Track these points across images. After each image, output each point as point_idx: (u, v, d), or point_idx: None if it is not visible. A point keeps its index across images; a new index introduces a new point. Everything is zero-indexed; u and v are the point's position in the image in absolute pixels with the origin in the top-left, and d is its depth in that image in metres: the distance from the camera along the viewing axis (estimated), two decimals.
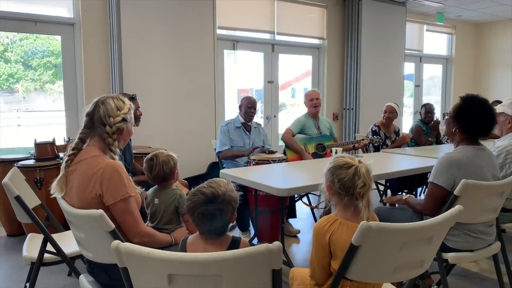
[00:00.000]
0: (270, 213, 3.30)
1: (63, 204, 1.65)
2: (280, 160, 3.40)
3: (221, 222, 1.35)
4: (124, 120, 1.73)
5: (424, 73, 8.16)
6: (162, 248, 1.80)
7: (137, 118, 2.94)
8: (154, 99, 4.69)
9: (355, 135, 4.70)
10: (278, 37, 5.99)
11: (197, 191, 1.36)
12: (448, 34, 8.30)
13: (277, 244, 1.10)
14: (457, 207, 1.46)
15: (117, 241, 1.14)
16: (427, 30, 7.87)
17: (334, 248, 1.47)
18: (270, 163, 3.32)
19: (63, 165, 1.70)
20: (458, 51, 8.37)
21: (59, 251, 2.10)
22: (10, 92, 4.43)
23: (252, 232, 3.54)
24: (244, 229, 3.49)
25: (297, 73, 6.73)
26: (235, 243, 1.40)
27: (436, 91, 8.59)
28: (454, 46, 8.34)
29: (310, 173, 2.92)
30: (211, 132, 5.16)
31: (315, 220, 4.03)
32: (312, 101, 4.04)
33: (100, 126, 1.70)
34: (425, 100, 7.95)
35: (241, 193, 1.44)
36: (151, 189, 2.06)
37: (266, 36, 5.95)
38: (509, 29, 8.04)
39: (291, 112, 6.72)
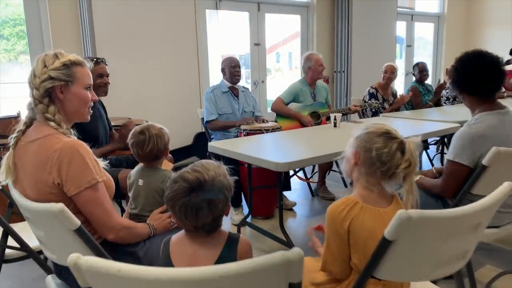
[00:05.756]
0: (266, 188, 3.02)
1: (15, 195, 1.32)
2: (274, 129, 3.09)
3: (210, 217, 1.05)
4: (51, 78, 1.34)
5: (415, 33, 7.81)
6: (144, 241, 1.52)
7: (98, 86, 2.47)
8: (132, 65, 4.28)
9: (351, 98, 4.41)
10: None
11: (178, 178, 1.06)
12: None
13: (297, 252, 0.81)
14: (506, 184, 1.19)
15: (75, 255, 0.82)
16: None
17: (354, 238, 1.20)
18: (263, 133, 3.01)
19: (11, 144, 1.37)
20: (450, 8, 8.01)
21: (23, 245, 1.78)
22: None
23: (245, 208, 3.27)
24: (236, 205, 3.21)
25: (284, 35, 6.31)
26: (232, 242, 1.11)
27: (426, 52, 8.26)
28: (446, 3, 7.97)
29: (309, 143, 2.62)
30: (195, 100, 4.80)
31: (311, 191, 3.78)
32: (321, 67, 3.67)
33: (31, 91, 1.35)
34: (417, 60, 7.66)
35: (236, 178, 1.14)
36: (136, 168, 1.74)
37: None
38: None
39: (276, 77, 6.36)
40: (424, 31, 8.09)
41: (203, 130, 4.75)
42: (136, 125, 3.01)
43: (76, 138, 1.37)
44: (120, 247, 1.42)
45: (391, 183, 1.26)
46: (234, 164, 2.95)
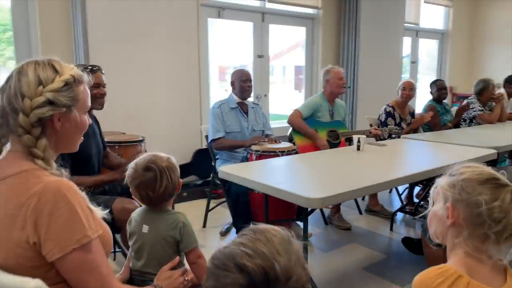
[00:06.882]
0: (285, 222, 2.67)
1: None
2: (289, 151, 2.74)
3: None
4: (51, 103, 0.99)
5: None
6: None
7: (95, 98, 2.12)
8: (128, 75, 3.91)
9: (366, 117, 4.10)
10: (269, 5, 5.24)
11: (229, 261, 0.66)
12: (445, 6, 7.73)
13: None
14: None
15: None
16: (424, 2, 7.27)
17: None
18: (278, 155, 2.66)
19: None
20: (455, 25, 7.83)
21: None
22: None
23: None
24: None
25: (282, 48, 6.02)
26: None
27: (427, 70, 8.00)
28: (451, 20, 7.79)
29: (337, 170, 2.28)
30: (195, 114, 4.43)
31: (324, 219, 3.42)
32: (341, 80, 3.38)
33: (11, 113, 0.98)
34: (422, 78, 7.44)
35: (307, 263, 0.76)
36: (138, 211, 1.35)
37: (256, 3, 5.19)
38: (507, 3, 7.55)
39: (271, 91, 6.06)
40: (427, 49, 7.87)
41: (204, 147, 4.39)
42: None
43: (64, 176, 1.00)
44: None
45: (504, 249, 0.92)
46: (243, 189, 2.60)
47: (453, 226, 0.95)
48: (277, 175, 2.18)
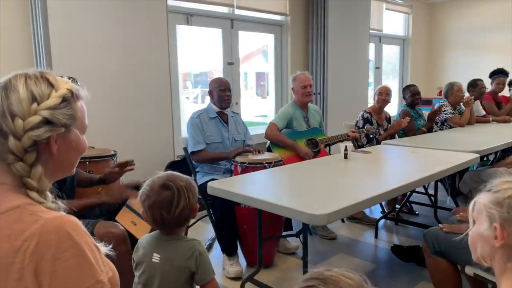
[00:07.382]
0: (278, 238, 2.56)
1: None
2: (276, 162, 2.64)
3: None
4: (48, 122, 0.84)
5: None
6: None
7: None
8: (94, 84, 3.61)
9: (343, 123, 4.08)
10: (238, 12, 5.15)
11: None
12: (405, 13, 7.97)
13: None
14: None
15: None
16: (386, 9, 7.46)
17: None
18: (265, 167, 2.54)
19: None
20: (414, 31, 8.09)
21: None
22: None
23: (240, 255, 2.76)
24: (231, 253, 2.67)
25: (245, 53, 5.95)
26: None
27: (386, 75, 8.18)
28: (410, 27, 8.04)
29: (331, 182, 2.19)
30: (167, 125, 4.24)
31: (308, 230, 3.34)
32: (305, 89, 3.30)
33: None
34: (384, 83, 7.60)
35: None
36: (147, 238, 1.20)
37: (224, 9, 5.09)
38: (463, 10, 7.90)
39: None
40: (390, 55, 8.06)
41: (177, 159, 4.21)
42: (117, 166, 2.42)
43: (62, 208, 0.84)
44: None
45: None
46: (227, 201, 2.47)
47: (503, 247, 0.88)
48: (272, 190, 2.07)
